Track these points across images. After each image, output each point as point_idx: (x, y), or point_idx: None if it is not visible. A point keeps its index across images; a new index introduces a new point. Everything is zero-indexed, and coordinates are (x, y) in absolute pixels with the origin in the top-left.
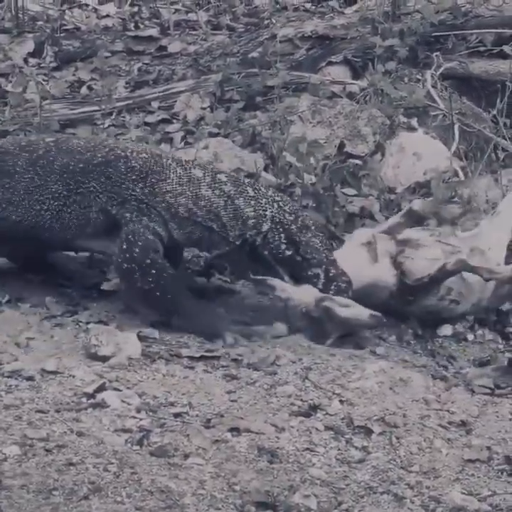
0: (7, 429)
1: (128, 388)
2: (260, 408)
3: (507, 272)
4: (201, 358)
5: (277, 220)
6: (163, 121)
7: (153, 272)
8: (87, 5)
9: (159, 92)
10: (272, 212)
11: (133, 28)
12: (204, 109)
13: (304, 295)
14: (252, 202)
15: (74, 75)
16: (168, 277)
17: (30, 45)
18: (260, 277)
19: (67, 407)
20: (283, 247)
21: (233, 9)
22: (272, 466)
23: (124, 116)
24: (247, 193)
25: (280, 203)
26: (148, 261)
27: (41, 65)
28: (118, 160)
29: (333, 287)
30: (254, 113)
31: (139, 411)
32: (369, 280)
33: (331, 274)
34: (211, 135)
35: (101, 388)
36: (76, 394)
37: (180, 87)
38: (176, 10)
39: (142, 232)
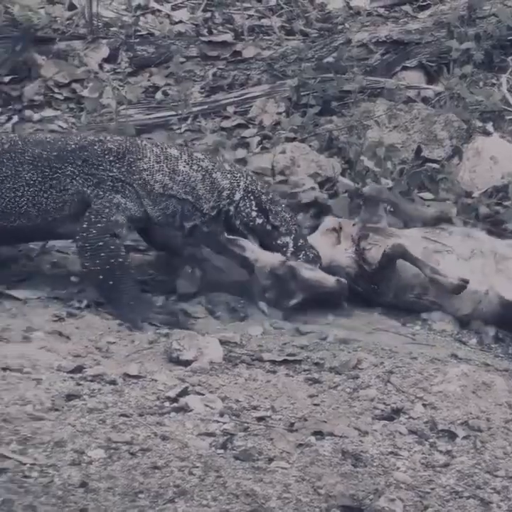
0: (91, 433)
1: (210, 392)
2: (343, 412)
3: (450, 279)
4: (283, 361)
5: (249, 189)
6: (239, 126)
7: (103, 255)
8: (160, 11)
9: (234, 97)
10: (245, 182)
11: (206, 34)
12: (280, 114)
13: (272, 257)
14: (228, 175)
15: (149, 80)
16: (117, 264)
17: (105, 51)
18: (233, 237)
19: (150, 411)
20: (254, 214)
21: (306, 14)
22: (357, 470)
23: (199, 121)
24: (224, 167)
25: (253, 177)
26: (101, 243)
27: (116, 71)
28: (93, 144)
29: (301, 256)
30: (330, 118)
31: (222, 415)
32: (326, 260)
33: (299, 244)
34: (288, 140)
35: (184, 392)
36: (159, 398)
37: (255, 92)
38: (249, 15)
39: (106, 213)
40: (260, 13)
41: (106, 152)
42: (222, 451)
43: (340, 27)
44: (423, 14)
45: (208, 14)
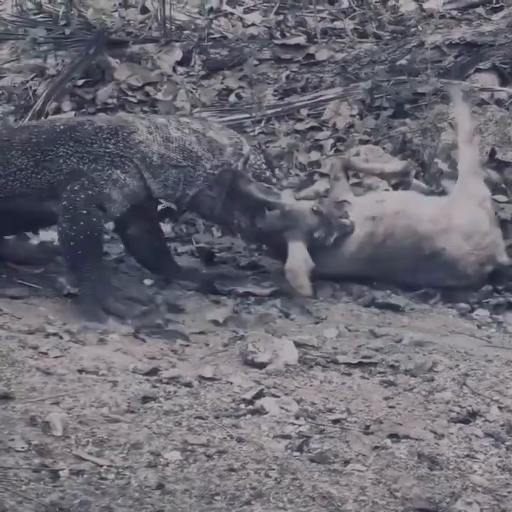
0: (167, 435)
1: (286, 395)
2: (419, 414)
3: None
4: (358, 364)
5: (251, 144)
6: (313, 128)
7: (82, 223)
8: (232, 14)
9: (308, 100)
10: (243, 139)
11: (279, 37)
12: (353, 116)
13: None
14: (223, 132)
15: (222, 83)
16: (92, 238)
17: (178, 54)
18: (267, 185)
19: (226, 414)
20: (264, 166)
21: (379, 17)
22: (433, 473)
23: (273, 124)
24: (215, 126)
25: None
26: (85, 211)
27: (190, 74)
28: (82, 124)
29: None
30: (403, 120)
31: (297, 417)
32: None
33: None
34: (361, 142)
35: (259, 395)
36: (234, 400)
37: (328, 95)
38: (322, 18)
39: (101, 184)
40: (333, 15)
41: (97, 130)
42: (298, 453)
43: (413, 29)
44: (496, 16)
45: (281, 17)
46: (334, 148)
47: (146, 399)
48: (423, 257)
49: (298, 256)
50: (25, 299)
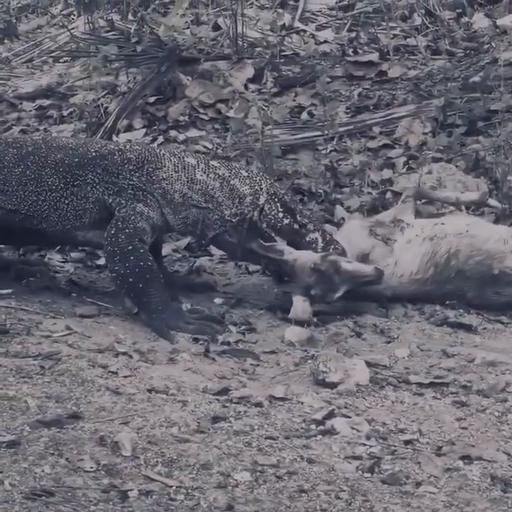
0: (237, 455)
1: (357, 415)
2: (491, 436)
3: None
4: (430, 384)
5: (272, 191)
6: (385, 146)
7: (132, 258)
8: (305, 31)
9: (380, 117)
10: (266, 185)
11: (352, 54)
12: (426, 134)
13: (311, 255)
14: (247, 180)
15: (294, 100)
16: (146, 268)
17: (250, 71)
18: (269, 244)
19: (296, 434)
20: (281, 215)
21: (452, 34)
22: (506, 496)
23: (345, 142)
24: (241, 174)
25: (271, 180)
26: (130, 247)
27: (261, 91)
28: (113, 153)
29: (331, 250)
30: (476, 138)
31: (369, 438)
32: None
33: (328, 239)
34: (434, 160)
35: (330, 415)
36: (305, 421)
37: (401, 112)
38: (395, 35)
39: (132, 220)
40: (405, 32)
41: (125, 161)
42: (369, 474)
43: (486, 46)
44: None
45: (353, 34)
46: (406, 166)
47: (216, 419)
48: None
49: (297, 308)
50: (95, 317)
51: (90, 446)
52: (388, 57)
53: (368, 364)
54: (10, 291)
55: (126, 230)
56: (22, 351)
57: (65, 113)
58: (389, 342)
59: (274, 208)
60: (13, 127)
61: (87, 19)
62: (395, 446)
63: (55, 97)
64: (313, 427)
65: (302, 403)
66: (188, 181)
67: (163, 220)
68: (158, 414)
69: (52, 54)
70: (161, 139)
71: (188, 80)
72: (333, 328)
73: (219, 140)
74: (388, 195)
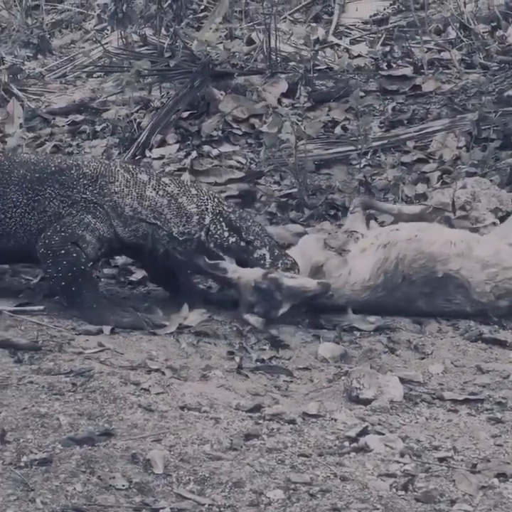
0: (270, 473)
1: (391, 432)
2: None
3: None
4: (465, 400)
5: (217, 211)
6: (419, 160)
7: (64, 262)
8: (339, 45)
9: (414, 132)
10: (212, 205)
11: (385, 68)
12: (460, 148)
13: (253, 272)
14: (194, 199)
15: (328, 114)
16: (78, 272)
17: (283, 86)
18: (213, 262)
19: (329, 451)
20: (226, 234)
21: (486, 47)
22: None
23: (379, 156)
24: (190, 192)
25: (220, 198)
26: (63, 251)
27: (295, 105)
28: (70, 168)
29: (280, 265)
30: (511, 152)
31: (402, 455)
32: None
33: (276, 254)
34: (468, 175)
35: (364, 432)
36: (338, 438)
37: (435, 127)
38: (429, 49)
39: (72, 226)
40: (440, 46)
41: (81, 176)
42: (403, 492)
43: None
44: None
45: (387, 48)
46: (441, 180)
47: (248, 436)
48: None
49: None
50: (128, 334)
51: (122, 463)
52: (422, 71)
53: (402, 380)
54: (42, 307)
55: (62, 234)
56: (54, 368)
57: (98, 128)
58: (423, 358)
59: (219, 227)
60: (46, 143)
61: (121, 34)
62: (429, 463)
63: (88, 112)
64: (346, 444)
65: (335, 420)
66: (138, 196)
67: (112, 232)
68: (190, 432)
69: (86, 69)
70: (194, 154)
71: (221, 94)
72: (366, 344)
73: (252, 155)
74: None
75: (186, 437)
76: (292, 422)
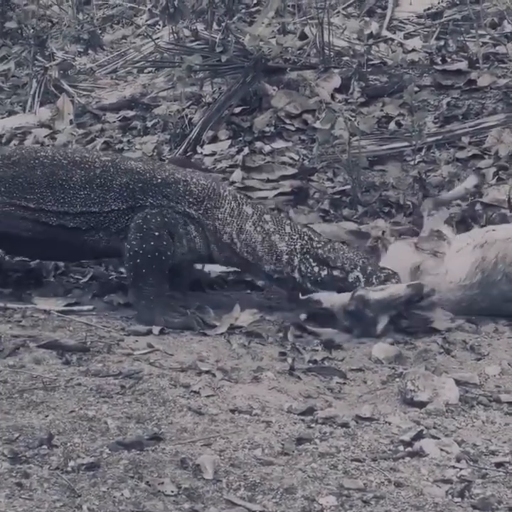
0: (323, 479)
1: (446, 436)
2: None
3: None
4: None
5: (305, 250)
6: (475, 156)
7: (152, 243)
8: (392, 39)
9: (469, 127)
10: (301, 244)
11: (440, 62)
12: None
13: (342, 296)
14: (286, 237)
15: (381, 110)
16: (158, 258)
17: (336, 81)
18: (306, 297)
19: (383, 456)
20: (317, 269)
21: None
22: None
23: (434, 152)
24: (284, 230)
25: (311, 235)
26: (157, 233)
27: (348, 101)
28: (178, 182)
29: (375, 281)
30: None
31: (459, 460)
32: None
33: (369, 271)
34: None
35: (418, 436)
36: (393, 442)
37: (491, 122)
38: (484, 43)
39: (173, 223)
40: (495, 40)
41: (187, 193)
42: (459, 499)
43: None
44: None
45: (442, 42)
46: (496, 176)
47: (300, 440)
48: None
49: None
50: (178, 335)
51: (171, 469)
52: (477, 65)
53: (458, 382)
54: (91, 307)
55: (165, 219)
56: (102, 370)
57: (148, 124)
58: (479, 359)
59: (308, 265)
60: (97, 139)
61: (172, 29)
62: (486, 468)
63: (138, 108)
64: (401, 448)
65: (390, 423)
66: (238, 228)
67: (206, 250)
68: (241, 436)
69: (137, 64)
70: (246, 150)
71: (274, 90)
72: (421, 344)
73: (305, 151)
74: (478, 206)
75: (237, 441)
76: (345, 425)
